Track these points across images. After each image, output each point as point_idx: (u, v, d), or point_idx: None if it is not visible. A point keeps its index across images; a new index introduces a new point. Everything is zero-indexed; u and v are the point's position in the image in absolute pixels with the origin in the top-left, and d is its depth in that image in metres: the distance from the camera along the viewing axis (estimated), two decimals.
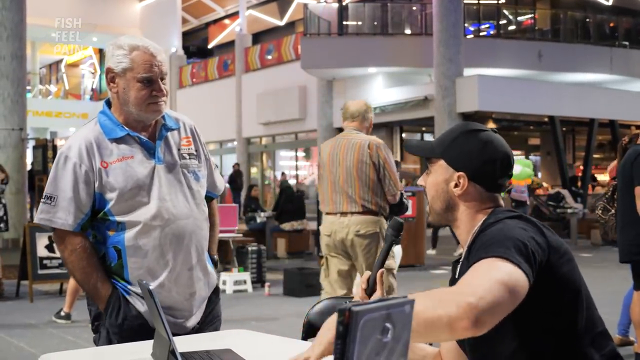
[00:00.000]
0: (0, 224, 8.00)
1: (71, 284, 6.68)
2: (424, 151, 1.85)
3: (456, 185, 1.76)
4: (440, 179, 1.79)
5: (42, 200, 2.27)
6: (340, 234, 4.53)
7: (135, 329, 2.25)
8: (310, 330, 2.12)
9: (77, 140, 2.26)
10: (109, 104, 2.34)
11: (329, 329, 1.34)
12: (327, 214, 4.64)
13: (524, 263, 1.53)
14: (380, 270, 1.79)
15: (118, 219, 2.24)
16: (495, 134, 1.80)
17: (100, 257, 2.29)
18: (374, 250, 4.49)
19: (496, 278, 1.48)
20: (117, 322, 2.26)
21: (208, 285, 2.42)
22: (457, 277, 1.76)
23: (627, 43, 20.83)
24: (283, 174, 21.84)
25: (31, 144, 14.57)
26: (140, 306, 2.27)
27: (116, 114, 2.30)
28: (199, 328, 2.38)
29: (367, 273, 1.81)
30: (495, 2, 20.72)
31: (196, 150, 2.41)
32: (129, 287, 2.28)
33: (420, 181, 1.85)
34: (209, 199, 2.50)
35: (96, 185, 2.24)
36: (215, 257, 2.54)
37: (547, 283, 1.60)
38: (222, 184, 2.58)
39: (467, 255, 1.72)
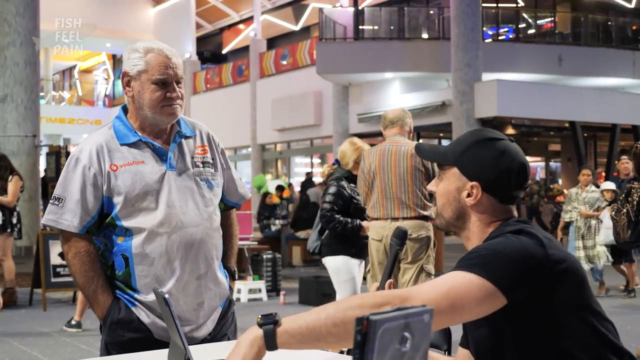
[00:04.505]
0: (14, 232, 7.90)
1: None
2: (437, 157, 1.82)
3: (469, 195, 1.72)
4: (452, 187, 1.74)
5: (50, 201, 2.30)
6: None
7: (135, 341, 2.23)
8: None
9: (89, 143, 2.29)
10: (125, 110, 2.37)
11: (246, 345, 1.43)
12: (377, 219, 4.69)
13: (502, 278, 1.51)
14: (389, 281, 1.81)
15: (125, 224, 2.24)
16: (512, 143, 1.75)
17: (109, 267, 2.29)
18: (424, 255, 4.59)
19: (442, 287, 1.49)
20: (116, 334, 2.26)
21: (219, 296, 2.38)
22: None
23: None
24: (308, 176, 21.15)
25: (44, 150, 14.50)
26: (145, 318, 2.25)
27: (132, 120, 2.33)
28: (210, 340, 2.34)
29: (376, 285, 1.82)
30: (515, 5, 20.55)
31: (212, 159, 2.40)
32: (135, 296, 2.27)
33: (431, 187, 1.81)
34: (230, 207, 2.51)
35: (104, 188, 2.25)
36: (234, 268, 2.51)
37: (543, 298, 1.56)
38: (246, 192, 2.57)
39: None
